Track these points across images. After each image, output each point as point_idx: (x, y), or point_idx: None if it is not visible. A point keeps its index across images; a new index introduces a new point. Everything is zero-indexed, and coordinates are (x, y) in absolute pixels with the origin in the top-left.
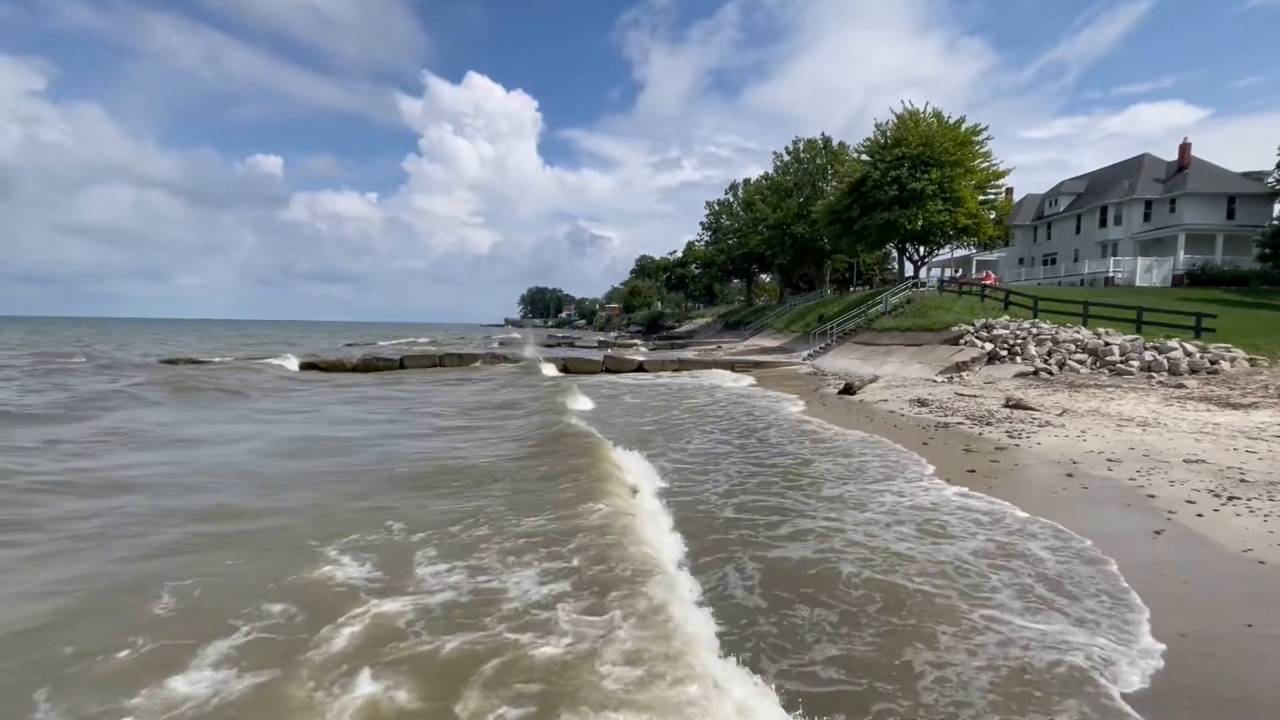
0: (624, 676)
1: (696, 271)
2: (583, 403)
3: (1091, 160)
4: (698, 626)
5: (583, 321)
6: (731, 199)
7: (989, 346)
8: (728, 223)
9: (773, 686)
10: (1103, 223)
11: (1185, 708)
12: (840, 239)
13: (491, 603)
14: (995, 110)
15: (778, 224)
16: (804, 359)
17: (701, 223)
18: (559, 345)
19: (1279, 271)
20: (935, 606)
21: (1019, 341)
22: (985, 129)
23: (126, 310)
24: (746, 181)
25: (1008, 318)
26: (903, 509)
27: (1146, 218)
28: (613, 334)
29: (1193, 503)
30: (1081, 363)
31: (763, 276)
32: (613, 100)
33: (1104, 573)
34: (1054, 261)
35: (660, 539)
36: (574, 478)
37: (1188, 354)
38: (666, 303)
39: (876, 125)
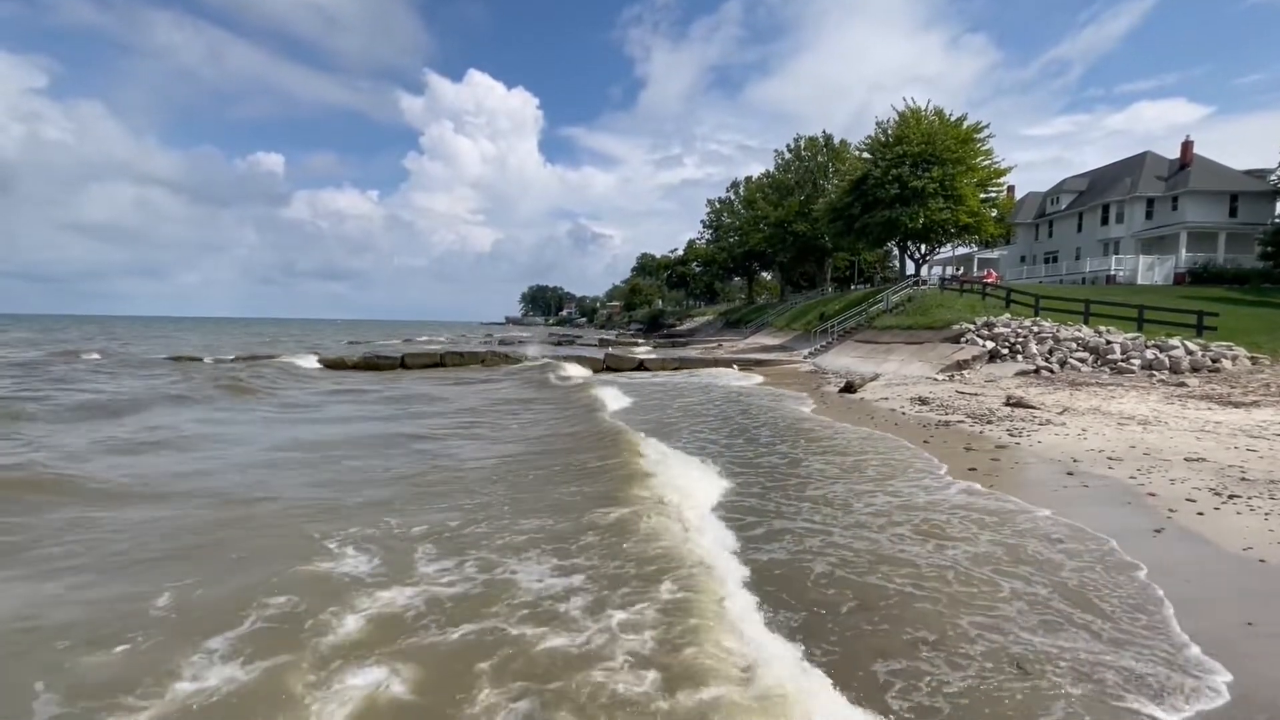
0: None
1: (697, 269)
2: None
3: (1094, 158)
4: None
5: (583, 320)
6: (733, 197)
7: (990, 345)
8: (729, 220)
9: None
10: (1104, 221)
11: None
12: (841, 237)
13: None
14: (997, 108)
15: (779, 222)
16: (805, 357)
17: (703, 220)
18: (560, 344)
19: None
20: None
21: (1020, 340)
22: (987, 126)
23: (128, 308)
24: (748, 179)
25: (1009, 316)
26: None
27: (1148, 216)
28: (614, 332)
29: (1193, 501)
30: (1083, 361)
31: (764, 274)
32: (614, 98)
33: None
34: (1055, 260)
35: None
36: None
37: (1189, 352)
38: (667, 301)
39: (878, 123)
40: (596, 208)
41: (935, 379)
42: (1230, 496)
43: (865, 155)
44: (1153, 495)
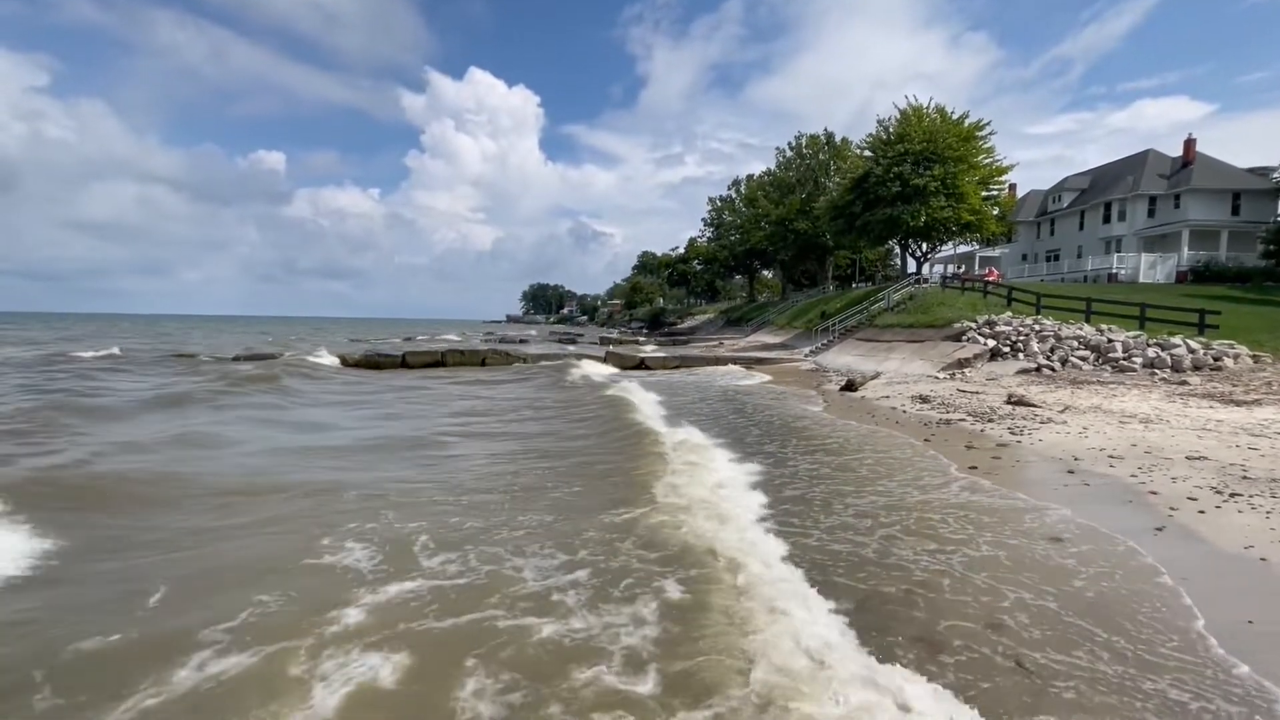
0: None
1: (698, 268)
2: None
3: (1096, 156)
4: None
5: (584, 318)
6: (734, 195)
7: (991, 343)
8: (730, 219)
9: None
10: (1106, 219)
11: None
12: (843, 235)
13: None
14: (999, 106)
15: (780, 220)
16: (806, 355)
17: (704, 219)
18: (560, 342)
19: None
20: None
21: (1021, 338)
22: (988, 124)
23: (129, 306)
24: (749, 177)
25: (1010, 314)
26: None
27: (1150, 214)
28: (615, 330)
29: (1194, 499)
30: (1084, 359)
31: (765, 273)
32: (615, 96)
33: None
34: (1057, 258)
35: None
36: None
37: (1191, 351)
38: (668, 299)
39: (879, 121)
40: (597, 206)
41: (936, 377)
42: (1232, 495)
43: (867, 153)
44: (1154, 493)
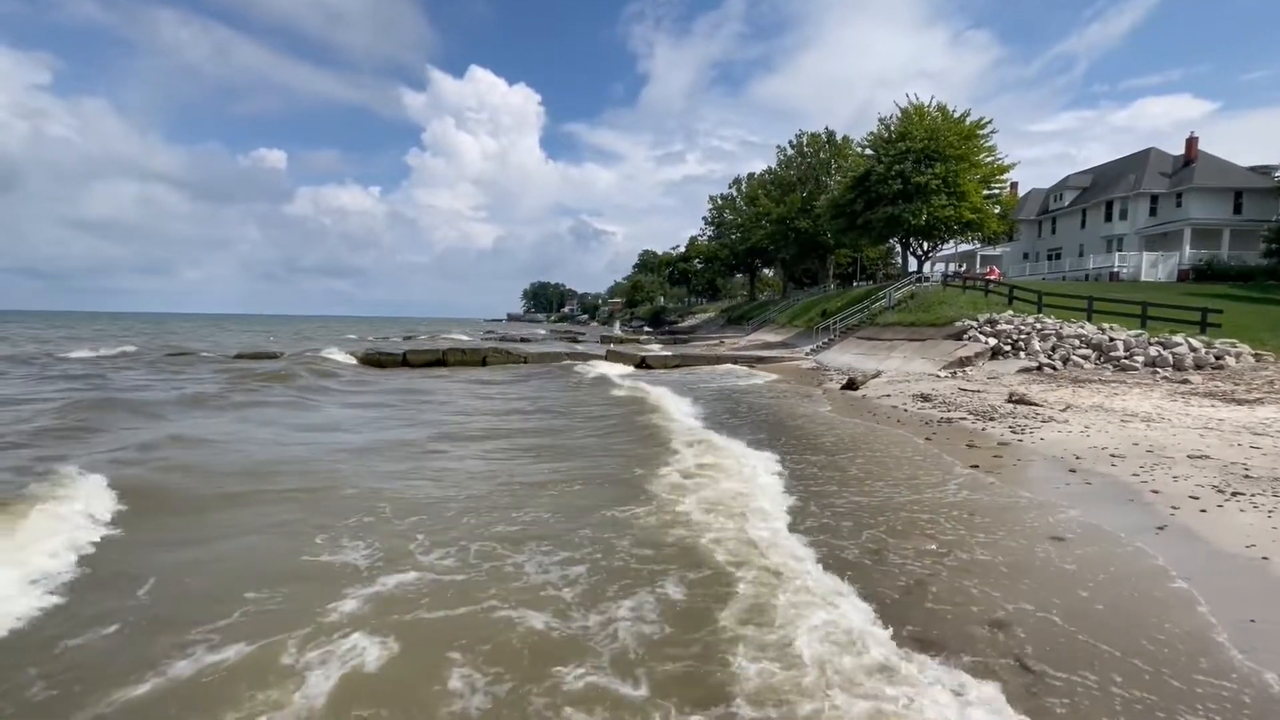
0: None
1: (699, 266)
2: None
3: (1098, 154)
4: None
5: (585, 316)
6: (735, 193)
7: (992, 342)
8: (731, 217)
9: None
10: (1108, 217)
11: None
12: (844, 233)
13: None
14: (1000, 104)
15: (781, 218)
16: (807, 354)
17: (704, 217)
18: (561, 339)
19: None
20: None
21: (1023, 337)
22: (990, 122)
23: (131, 305)
24: (750, 175)
25: (1011, 313)
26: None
27: (1152, 212)
28: (617, 329)
29: (1196, 498)
30: (1085, 358)
31: (766, 271)
32: (616, 94)
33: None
34: (1059, 256)
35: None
36: None
37: (1193, 349)
38: (669, 298)
39: (881, 119)
40: (599, 204)
41: (938, 376)
42: (1234, 494)
43: (868, 151)
44: (1156, 492)
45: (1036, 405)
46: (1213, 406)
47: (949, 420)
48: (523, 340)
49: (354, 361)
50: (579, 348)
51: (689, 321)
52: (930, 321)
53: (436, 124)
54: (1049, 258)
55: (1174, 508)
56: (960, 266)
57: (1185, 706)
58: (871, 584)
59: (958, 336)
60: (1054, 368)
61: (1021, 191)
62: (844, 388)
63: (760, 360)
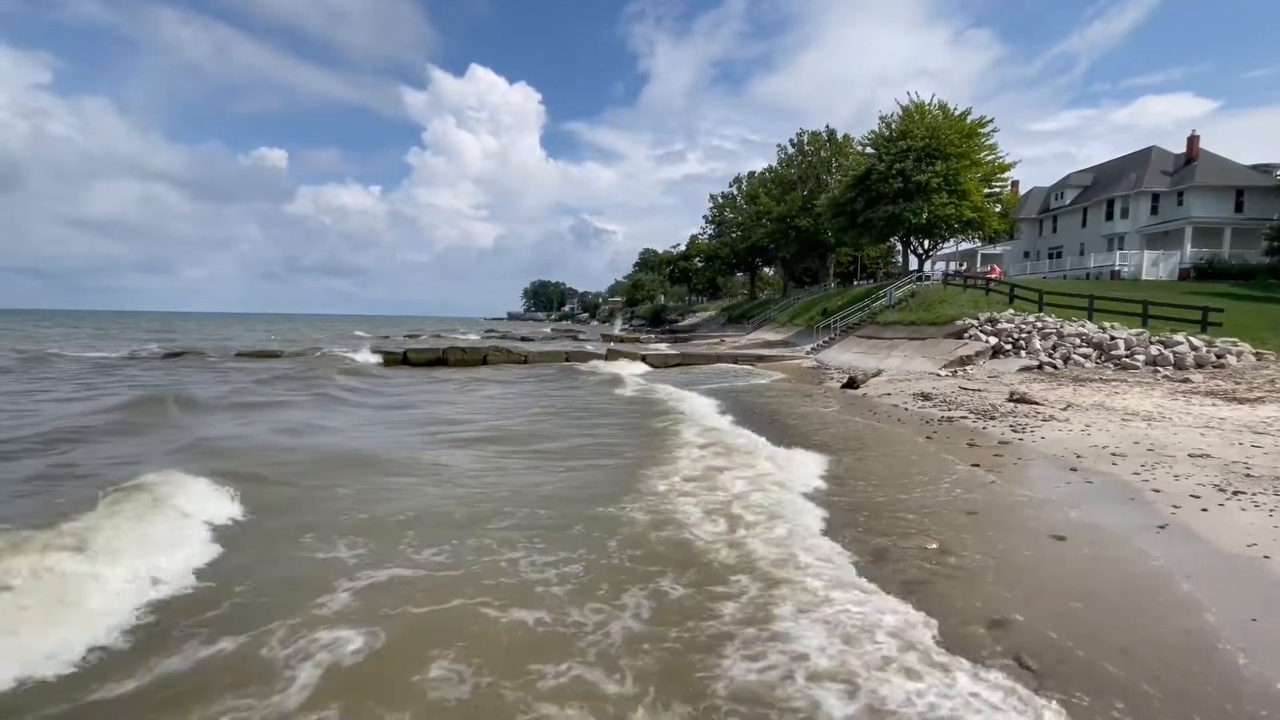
0: None
1: (700, 265)
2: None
3: (1099, 153)
4: None
5: (586, 315)
6: (735, 192)
7: (993, 340)
8: (731, 216)
9: None
10: (1109, 216)
11: None
12: (844, 232)
13: None
14: (1002, 103)
15: (781, 217)
16: (807, 353)
17: (705, 216)
18: (560, 339)
19: None
20: None
21: (1023, 335)
22: (991, 121)
23: (132, 303)
24: (751, 174)
25: (1012, 311)
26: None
27: (1153, 211)
28: (617, 327)
29: (1197, 497)
30: (1086, 357)
31: (766, 270)
32: (616, 93)
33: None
34: (1059, 255)
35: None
36: None
37: (1194, 348)
38: (670, 296)
39: (881, 118)
40: (599, 203)
41: (938, 375)
42: (1235, 493)
43: (869, 150)
44: (1157, 491)
45: (1037, 404)
46: (1214, 405)
47: (950, 419)
48: (523, 339)
49: (379, 360)
50: (578, 347)
51: (689, 320)
52: (931, 320)
53: (437, 123)
54: (1050, 256)
55: (1175, 507)
56: (961, 265)
57: (1186, 706)
58: (871, 582)
59: (958, 335)
60: (1055, 366)
61: (1022, 190)
62: (844, 386)
63: (761, 359)
